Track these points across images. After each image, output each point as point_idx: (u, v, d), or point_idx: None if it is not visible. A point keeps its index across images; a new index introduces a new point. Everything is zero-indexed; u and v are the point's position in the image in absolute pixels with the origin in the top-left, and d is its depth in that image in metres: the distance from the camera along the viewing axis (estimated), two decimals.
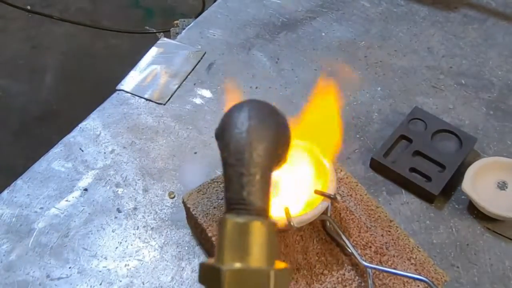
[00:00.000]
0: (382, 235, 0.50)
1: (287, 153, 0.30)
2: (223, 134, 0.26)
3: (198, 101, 0.71)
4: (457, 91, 0.73)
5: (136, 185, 0.62)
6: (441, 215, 0.59)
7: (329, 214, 0.51)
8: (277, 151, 0.27)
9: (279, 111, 0.30)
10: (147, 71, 0.75)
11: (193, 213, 0.52)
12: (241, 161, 0.25)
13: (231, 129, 0.26)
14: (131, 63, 0.76)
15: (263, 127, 0.26)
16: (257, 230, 0.25)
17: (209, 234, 0.50)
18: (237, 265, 0.24)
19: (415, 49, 0.79)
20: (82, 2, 1.95)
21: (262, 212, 0.25)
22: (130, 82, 0.73)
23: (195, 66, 0.76)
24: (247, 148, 0.25)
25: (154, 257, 0.55)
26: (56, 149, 0.65)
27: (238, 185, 0.25)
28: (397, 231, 0.51)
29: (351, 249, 0.48)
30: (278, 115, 0.29)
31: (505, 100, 0.72)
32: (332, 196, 0.47)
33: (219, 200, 0.53)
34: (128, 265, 0.55)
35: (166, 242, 0.56)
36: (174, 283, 0.53)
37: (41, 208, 0.59)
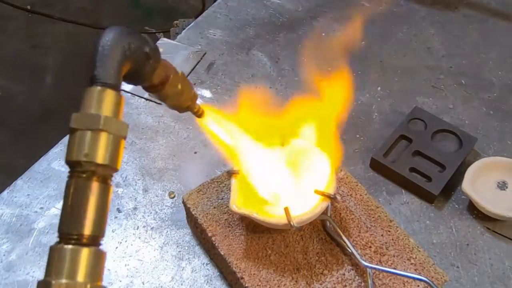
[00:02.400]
0: (382, 235, 0.50)
1: (144, 64, 0.37)
2: (96, 43, 0.36)
3: (198, 101, 0.71)
4: (457, 91, 0.73)
5: (136, 185, 0.62)
6: (441, 215, 0.59)
7: (329, 214, 0.51)
8: (127, 53, 0.36)
9: (140, 35, 0.38)
10: None
11: (193, 213, 0.52)
12: (101, 54, 0.35)
13: (100, 38, 0.36)
14: None
15: (117, 38, 0.36)
16: (108, 95, 0.34)
17: (209, 234, 0.50)
18: (89, 111, 0.33)
19: (415, 49, 0.79)
20: (82, 2, 1.95)
21: (113, 86, 0.34)
22: None
23: (195, 66, 0.76)
24: (105, 47, 0.35)
25: (154, 257, 0.55)
26: (56, 149, 0.65)
27: (98, 67, 0.35)
28: (397, 231, 0.51)
29: (351, 249, 0.48)
30: (135, 35, 0.36)
31: (505, 100, 0.72)
32: (332, 196, 0.47)
33: (219, 200, 0.53)
34: (128, 265, 0.55)
35: (166, 242, 0.56)
36: (174, 283, 0.53)
37: (41, 208, 0.59)
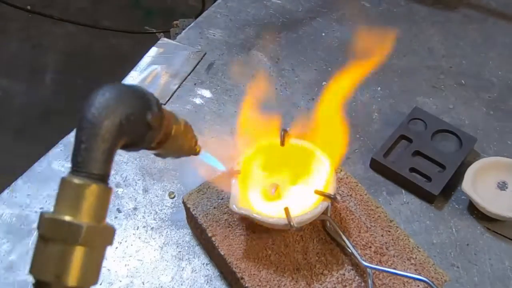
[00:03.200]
0: (382, 235, 0.50)
1: (143, 135, 0.31)
2: (83, 107, 0.29)
3: (198, 101, 0.71)
4: (457, 91, 0.73)
5: (136, 185, 0.62)
6: (441, 215, 0.59)
7: (329, 214, 0.51)
8: (124, 129, 0.29)
9: (141, 96, 0.31)
10: (147, 71, 0.75)
11: (193, 213, 0.52)
12: (89, 132, 0.28)
13: (89, 105, 0.29)
14: (131, 63, 0.76)
15: (113, 108, 0.29)
16: (91, 192, 0.27)
17: (209, 234, 0.50)
18: (66, 217, 0.27)
19: (415, 49, 0.79)
20: (82, 2, 1.95)
21: (100, 178, 0.28)
22: (130, 82, 0.73)
23: (195, 66, 0.76)
24: (95, 122, 0.28)
25: (154, 257, 0.55)
26: (56, 149, 0.65)
27: (83, 152, 0.28)
28: (397, 231, 0.51)
29: (351, 249, 0.48)
30: (134, 101, 0.30)
31: (505, 100, 0.72)
32: (332, 196, 0.47)
33: (219, 200, 0.53)
34: (128, 265, 0.55)
35: (166, 242, 0.56)
36: (174, 283, 0.53)
37: (41, 208, 0.59)
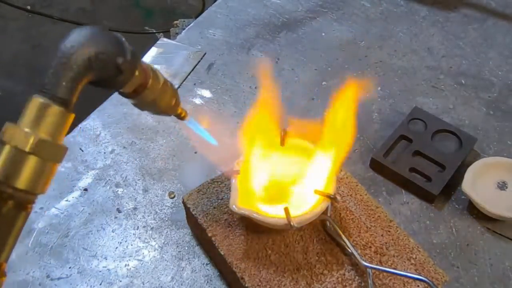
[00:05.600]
0: (382, 235, 0.50)
1: (113, 77, 0.34)
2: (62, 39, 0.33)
3: (198, 101, 0.71)
4: (457, 91, 0.73)
5: (136, 185, 0.62)
6: (441, 215, 0.59)
7: (329, 214, 0.51)
8: (92, 65, 0.32)
9: (116, 42, 0.34)
10: None
11: (193, 213, 0.52)
12: (59, 61, 0.32)
13: (66, 38, 0.33)
14: None
15: (84, 44, 0.32)
16: (52, 112, 0.31)
17: (209, 234, 0.50)
18: (26, 129, 0.31)
19: (415, 49, 0.79)
20: (82, 2, 1.95)
21: (62, 102, 0.31)
22: None
23: (195, 66, 0.76)
24: (65, 52, 0.32)
25: (154, 257, 0.55)
26: None
27: (50, 75, 0.32)
28: (397, 231, 0.51)
29: (351, 249, 0.48)
30: (107, 43, 0.33)
31: (505, 100, 0.72)
32: (332, 196, 0.47)
33: (219, 200, 0.53)
34: (128, 265, 0.55)
35: (166, 242, 0.56)
36: (174, 283, 0.53)
37: (41, 208, 0.59)
